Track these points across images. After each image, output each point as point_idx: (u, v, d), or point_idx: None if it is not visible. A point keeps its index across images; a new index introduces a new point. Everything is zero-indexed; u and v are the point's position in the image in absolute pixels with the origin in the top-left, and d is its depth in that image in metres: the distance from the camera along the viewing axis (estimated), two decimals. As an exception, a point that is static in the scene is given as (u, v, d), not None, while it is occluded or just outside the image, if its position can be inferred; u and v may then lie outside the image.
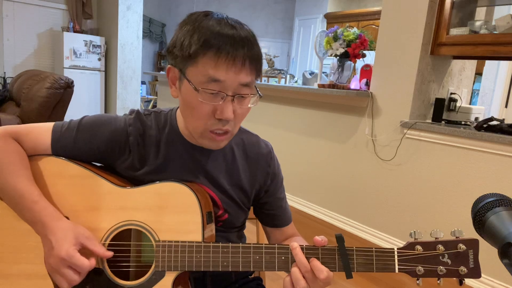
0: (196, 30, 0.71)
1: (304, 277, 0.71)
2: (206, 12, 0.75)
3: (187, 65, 0.73)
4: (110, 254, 0.76)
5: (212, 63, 0.70)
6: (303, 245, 0.74)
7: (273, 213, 0.95)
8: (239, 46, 0.70)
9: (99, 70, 5.44)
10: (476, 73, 3.34)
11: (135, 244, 0.82)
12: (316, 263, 0.71)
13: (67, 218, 0.79)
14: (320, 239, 0.73)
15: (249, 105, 0.77)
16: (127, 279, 0.79)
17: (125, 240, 0.81)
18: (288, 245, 0.74)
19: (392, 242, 2.59)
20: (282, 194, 0.97)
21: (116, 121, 0.85)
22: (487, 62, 4.45)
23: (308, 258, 0.72)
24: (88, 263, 0.72)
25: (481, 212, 0.56)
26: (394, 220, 2.58)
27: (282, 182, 0.97)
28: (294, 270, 0.72)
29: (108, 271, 0.78)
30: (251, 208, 0.98)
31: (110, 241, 0.79)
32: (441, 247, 0.69)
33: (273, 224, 0.97)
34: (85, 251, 0.74)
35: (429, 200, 2.37)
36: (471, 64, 2.84)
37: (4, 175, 0.77)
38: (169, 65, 0.79)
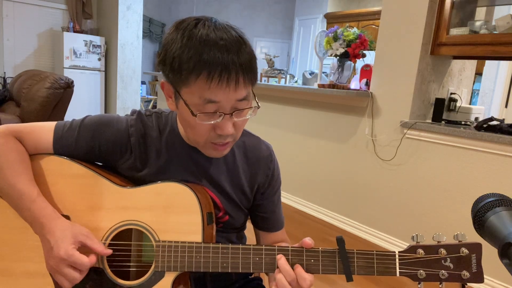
0: (185, 49, 0.68)
1: (290, 284, 0.72)
2: (195, 21, 0.71)
3: (180, 85, 0.71)
4: (109, 252, 0.76)
5: (206, 86, 0.68)
6: (302, 248, 0.74)
7: (265, 216, 0.95)
8: (229, 62, 0.67)
9: (99, 70, 5.44)
10: (476, 73, 3.34)
11: (136, 244, 0.82)
12: (300, 270, 0.72)
13: (68, 217, 0.79)
14: (308, 240, 0.74)
15: (247, 116, 0.76)
16: (127, 279, 0.79)
17: (126, 240, 0.81)
18: (289, 247, 0.75)
19: (392, 242, 2.59)
20: (278, 199, 0.97)
21: (118, 121, 0.85)
22: (487, 62, 4.44)
23: (309, 260, 0.73)
24: (88, 260, 0.72)
25: (481, 212, 0.56)
26: (394, 220, 2.58)
27: (279, 186, 0.96)
28: (280, 277, 0.72)
29: (108, 270, 0.78)
30: None
31: (111, 240, 0.79)
32: (443, 251, 0.68)
33: (264, 228, 0.96)
34: (84, 249, 0.74)
35: (429, 200, 2.37)
36: (471, 64, 2.84)
37: (4, 174, 0.77)
38: (162, 80, 0.77)
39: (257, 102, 0.77)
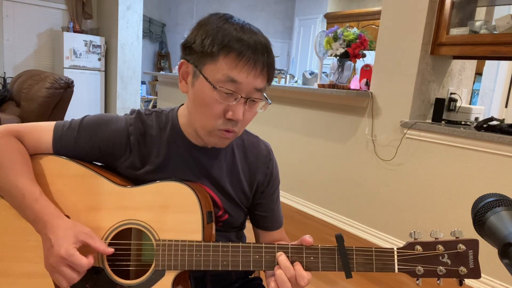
0: (220, 30, 0.72)
1: (289, 280, 0.73)
2: (226, 16, 0.76)
3: (205, 62, 0.74)
4: (111, 250, 0.76)
5: (233, 64, 0.71)
6: (302, 245, 0.74)
7: (264, 215, 0.95)
8: (259, 53, 0.72)
9: (99, 70, 5.44)
10: (476, 73, 3.34)
11: (136, 243, 0.82)
12: (299, 268, 0.73)
13: (68, 217, 0.79)
14: (308, 238, 0.75)
15: (257, 109, 0.79)
16: (128, 278, 0.79)
17: (126, 239, 0.82)
18: (288, 244, 0.75)
19: (392, 242, 2.60)
20: (276, 198, 0.97)
21: (117, 121, 0.85)
22: (487, 62, 4.45)
23: (308, 257, 0.73)
24: (86, 262, 0.72)
25: (481, 212, 0.56)
26: (394, 220, 2.58)
27: (278, 185, 0.97)
28: (279, 273, 0.73)
29: (108, 270, 0.78)
30: None
31: (111, 240, 0.79)
32: (440, 247, 0.69)
33: (263, 227, 0.96)
34: (84, 249, 0.74)
35: (429, 200, 2.37)
36: (471, 64, 2.84)
37: (6, 174, 0.77)
38: (182, 59, 0.79)
39: (267, 99, 0.79)
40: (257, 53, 0.72)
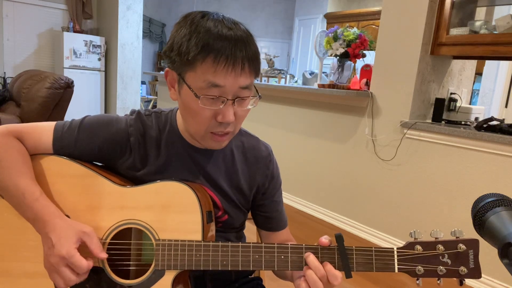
0: (193, 34, 0.70)
1: (320, 280, 0.71)
2: (202, 13, 0.74)
3: (185, 70, 0.72)
4: (104, 256, 0.75)
5: (212, 69, 0.69)
6: (302, 245, 0.74)
7: (268, 216, 0.95)
8: (237, 49, 0.69)
9: (99, 70, 5.45)
10: (476, 73, 3.34)
11: (135, 243, 0.82)
12: (330, 267, 0.71)
13: (68, 217, 0.79)
14: (324, 239, 0.74)
15: (248, 106, 0.77)
16: (127, 278, 0.79)
17: (126, 239, 0.82)
18: (288, 244, 0.75)
19: (392, 242, 2.60)
20: (279, 198, 0.96)
21: (117, 121, 0.85)
22: (487, 62, 4.44)
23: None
24: (86, 264, 0.72)
25: (481, 212, 0.56)
26: (394, 220, 2.58)
27: (280, 186, 0.96)
28: (310, 273, 0.72)
29: (108, 269, 0.78)
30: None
31: (111, 240, 0.79)
32: (441, 247, 0.69)
33: (268, 228, 0.96)
34: (85, 250, 0.74)
35: (429, 200, 2.37)
36: (471, 64, 2.84)
37: (6, 174, 0.77)
38: (167, 68, 0.78)
39: (258, 93, 0.78)
40: (234, 50, 0.69)
